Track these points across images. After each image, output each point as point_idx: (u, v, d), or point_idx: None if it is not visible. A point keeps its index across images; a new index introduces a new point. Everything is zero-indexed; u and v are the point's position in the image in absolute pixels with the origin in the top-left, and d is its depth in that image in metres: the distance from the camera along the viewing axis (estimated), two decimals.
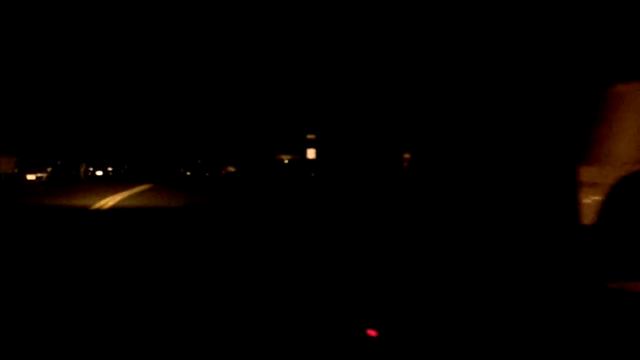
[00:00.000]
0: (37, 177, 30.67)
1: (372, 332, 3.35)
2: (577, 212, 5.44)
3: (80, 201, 13.85)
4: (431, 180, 23.17)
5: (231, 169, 35.50)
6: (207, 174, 40.26)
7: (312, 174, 27.98)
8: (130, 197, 15.84)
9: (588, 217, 5.21)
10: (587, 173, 5.34)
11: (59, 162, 36.47)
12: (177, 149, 51.90)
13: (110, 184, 25.49)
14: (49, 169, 33.06)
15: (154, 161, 53.63)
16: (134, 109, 46.94)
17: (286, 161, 34.39)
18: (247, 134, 36.07)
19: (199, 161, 46.89)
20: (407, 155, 30.44)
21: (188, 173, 44.21)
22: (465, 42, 24.06)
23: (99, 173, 47.07)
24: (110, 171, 51.54)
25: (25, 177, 30.00)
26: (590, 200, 5.19)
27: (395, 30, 30.37)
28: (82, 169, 40.87)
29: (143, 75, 43.07)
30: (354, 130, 32.84)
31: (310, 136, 29.82)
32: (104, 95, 43.89)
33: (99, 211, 11.52)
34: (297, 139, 33.61)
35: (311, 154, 29.78)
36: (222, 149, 40.86)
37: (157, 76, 42.95)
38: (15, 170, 29.34)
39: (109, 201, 13.81)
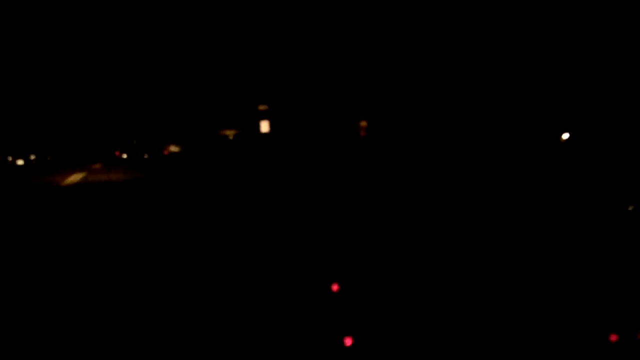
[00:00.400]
0: None
1: (335, 287, 3.86)
2: None
3: None
4: (392, 154, 21.22)
5: (174, 148, 31.78)
6: (145, 156, 36.36)
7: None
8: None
9: None
10: None
11: None
12: (108, 128, 46.66)
13: (31, 176, 21.58)
14: None
15: (83, 144, 48.22)
16: (55, 83, 41.55)
17: (230, 137, 31.38)
18: (189, 106, 32.38)
19: (135, 141, 42.44)
20: (363, 124, 28.58)
21: (124, 156, 39.76)
22: None
23: (20, 162, 41.82)
24: (34, 160, 46.09)
25: None
26: None
27: None
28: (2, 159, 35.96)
29: (64, 43, 37.87)
30: (309, 98, 30.37)
31: (262, 107, 26.88)
32: (17, 69, 38.47)
33: None
34: (245, 111, 30.54)
35: (265, 126, 26.91)
36: (162, 126, 36.84)
37: (81, 45, 37.95)
38: None
39: None
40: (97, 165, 28.72)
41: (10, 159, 41.03)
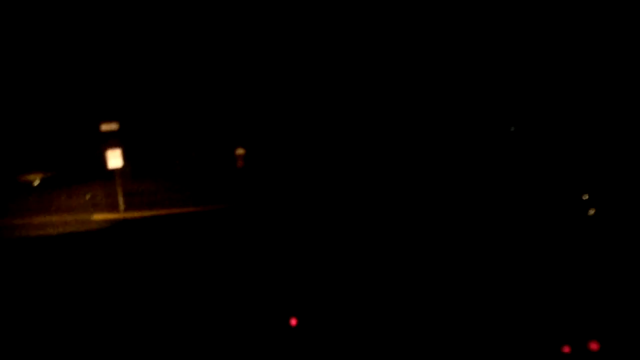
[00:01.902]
0: None
1: (293, 321, 4.07)
2: None
3: None
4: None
5: None
6: None
7: None
8: None
9: None
10: None
11: None
12: None
13: None
14: None
15: None
16: None
17: (37, 182, 19.86)
18: None
19: None
20: (240, 151, 20.59)
21: None
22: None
23: None
24: None
25: None
26: None
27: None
28: None
29: None
30: (170, 118, 20.46)
31: (108, 126, 15.69)
32: None
33: None
34: (77, 136, 18.85)
35: (115, 159, 15.75)
36: None
37: None
38: None
39: None
40: None
41: None
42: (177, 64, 19.31)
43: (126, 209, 16.17)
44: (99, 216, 15.59)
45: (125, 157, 16.69)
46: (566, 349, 3.44)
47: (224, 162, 21.34)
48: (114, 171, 16.65)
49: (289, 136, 21.99)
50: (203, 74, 20.25)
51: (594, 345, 3.45)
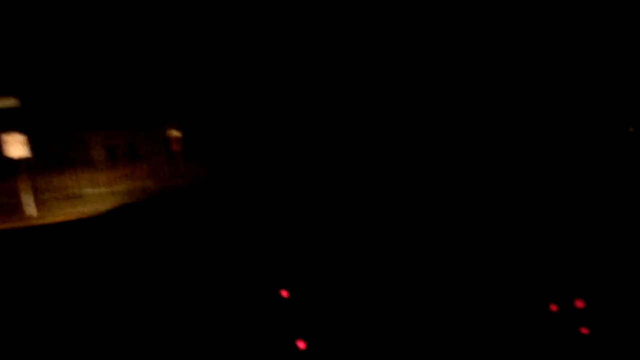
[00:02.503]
0: None
1: (284, 293, 4.07)
2: None
3: None
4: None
5: None
6: None
7: None
8: None
9: None
10: None
11: None
12: None
13: None
14: None
15: None
16: None
17: None
18: None
19: None
20: (176, 133, 18.85)
21: None
22: None
23: None
24: None
25: None
26: None
27: None
28: None
29: None
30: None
31: (3, 103, 11.35)
32: None
33: None
34: None
35: (17, 145, 11.50)
36: None
37: None
38: None
39: None
40: None
41: None
42: (95, 20, 15.38)
43: (37, 213, 12.24)
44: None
45: (32, 142, 12.65)
46: (553, 307, 3.51)
47: (157, 145, 17.87)
48: (17, 162, 12.58)
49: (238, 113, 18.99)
50: (127, 35, 16.50)
51: (579, 303, 3.53)
